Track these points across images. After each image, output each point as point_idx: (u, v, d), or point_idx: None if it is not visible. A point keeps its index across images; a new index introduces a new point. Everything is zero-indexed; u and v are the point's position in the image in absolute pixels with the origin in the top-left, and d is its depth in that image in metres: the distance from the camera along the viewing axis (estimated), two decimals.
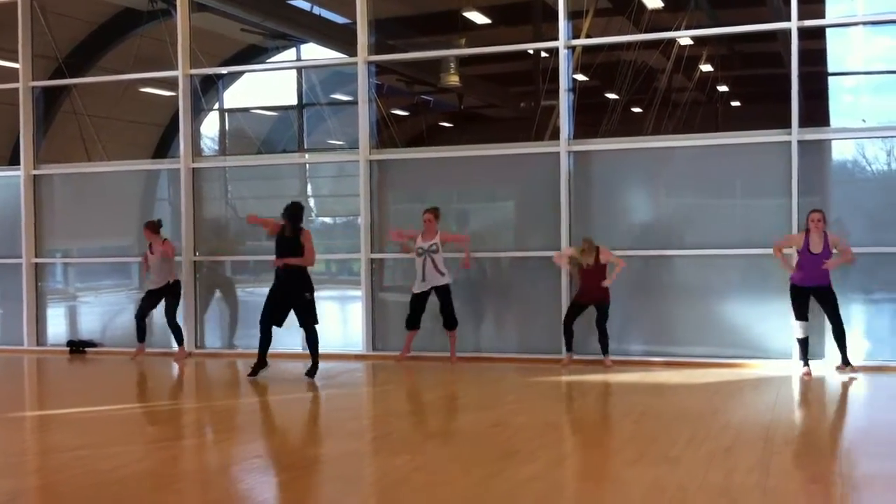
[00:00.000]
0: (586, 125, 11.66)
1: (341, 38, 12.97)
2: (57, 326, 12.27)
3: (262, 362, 9.48)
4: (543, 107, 12.20)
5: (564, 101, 10.50)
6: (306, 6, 14.14)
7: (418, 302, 10.22)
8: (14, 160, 12.44)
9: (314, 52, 14.32)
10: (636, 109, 15.28)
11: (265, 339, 9.41)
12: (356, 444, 6.80)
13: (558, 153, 10.39)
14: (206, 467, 6.32)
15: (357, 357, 10.85)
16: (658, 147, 10.52)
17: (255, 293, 11.50)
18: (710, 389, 8.54)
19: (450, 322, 10.21)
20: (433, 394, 9.04)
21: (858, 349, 9.65)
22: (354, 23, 11.05)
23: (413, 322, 10.27)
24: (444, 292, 10.14)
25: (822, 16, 10.59)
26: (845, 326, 9.09)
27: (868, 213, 9.97)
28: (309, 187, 12.12)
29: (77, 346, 11.82)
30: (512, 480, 5.50)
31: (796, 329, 9.11)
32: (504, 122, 17.61)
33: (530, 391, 8.75)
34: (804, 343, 9.11)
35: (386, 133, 12.18)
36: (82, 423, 7.62)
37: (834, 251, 9.01)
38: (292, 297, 9.24)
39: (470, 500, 5.20)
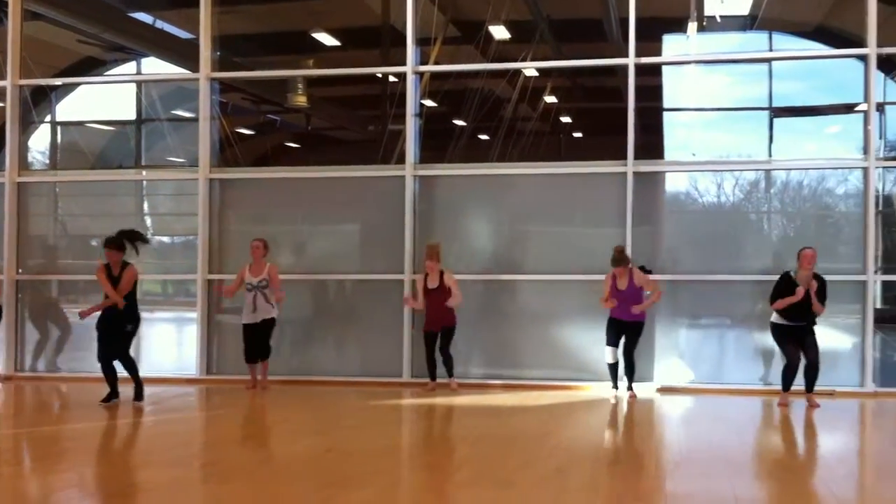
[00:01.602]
0: (434, 150, 11.73)
1: (185, 53, 12.61)
2: None
3: (114, 392, 8.97)
4: (391, 131, 12.21)
5: (411, 125, 10.55)
6: (149, 20, 13.68)
7: (251, 334, 9.94)
8: None
9: (156, 67, 13.86)
10: (483, 137, 15.49)
11: (107, 371, 8.92)
12: (184, 471, 6.51)
13: (404, 177, 10.41)
14: (21, 497, 5.91)
15: (190, 381, 10.48)
16: (502, 174, 10.69)
17: None
18: (544, 411, 8.67)
19: (266, 353, 10.01)
20: (269, 419, 8.81)
21: (688, 372, 10.03)
22: (198, 38, 10.79)
23: (252, 354, 10.00)
24: (270, 325, 9.94)
25: (659, 54, 11.05)
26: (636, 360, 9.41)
27: (698, 243, 10.41)
28: (146, 205, 11.70)
29: None
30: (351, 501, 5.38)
31: (606, 354, 9.40)
32: (352, 145, 17.51)
33: (369, 415, 8.64)
34: (613, 368, 9.43)
35: (230, 152, 11.89)
36: None
37: (647, 293, 9.37)
38: (116, 326, 8.82)
39: None
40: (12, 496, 5.93)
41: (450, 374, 9.92)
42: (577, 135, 18.37)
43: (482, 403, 9.18)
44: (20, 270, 11.00)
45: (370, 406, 9.06)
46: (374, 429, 7.97)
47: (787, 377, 8.94)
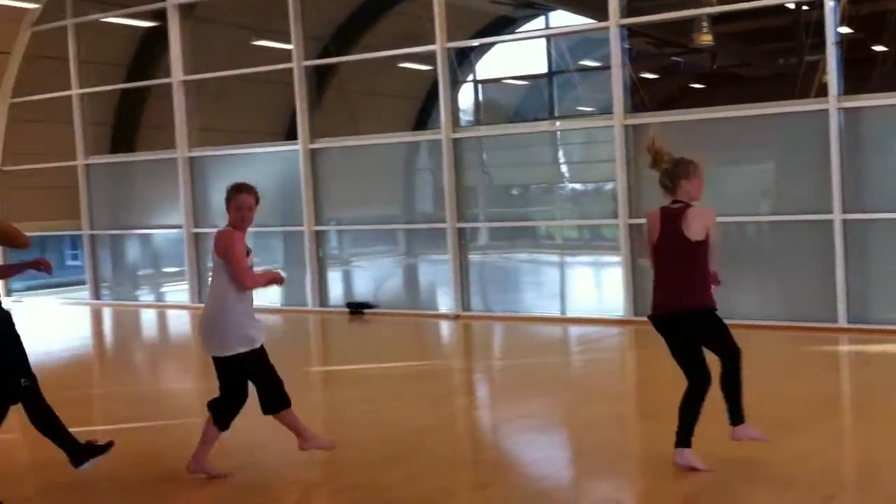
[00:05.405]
0: (852, 80, 11.00)
1: (589, 3, 12.90)
2: (336, 289, 12.96)
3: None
4: (806, 63, 11.62)
5: (832, 55, 9.97)
6: None
7: None
8: (290, 136, 13.29)
9: (563, 20, 14.30)
10: None
11: None
12: (623, 407, 6.87)
13: (827, 111, 9.90)
14: (480, 425, 6.66)
15: (618, 322, 10.75)
16: None
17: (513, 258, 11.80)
18: None
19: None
20: None
21: None
22: None
23: None
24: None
25: None
26: None
27: None
28: (560, 154, 12.23)
29: (356, 308, 12.43)
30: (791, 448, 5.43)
31: None
32: (759, 82, 16.86)
33: (802, 361, 8.48)
34: None
35: (636, 97, 12.03)
36: (363, 379, 8.25)
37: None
38: None
39: None
40: (470, 424, 6.68)
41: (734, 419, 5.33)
42: None
43: None
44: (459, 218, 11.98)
45: (802, 352, 8.86)
46: (810, 375, 7.81)
47: None
